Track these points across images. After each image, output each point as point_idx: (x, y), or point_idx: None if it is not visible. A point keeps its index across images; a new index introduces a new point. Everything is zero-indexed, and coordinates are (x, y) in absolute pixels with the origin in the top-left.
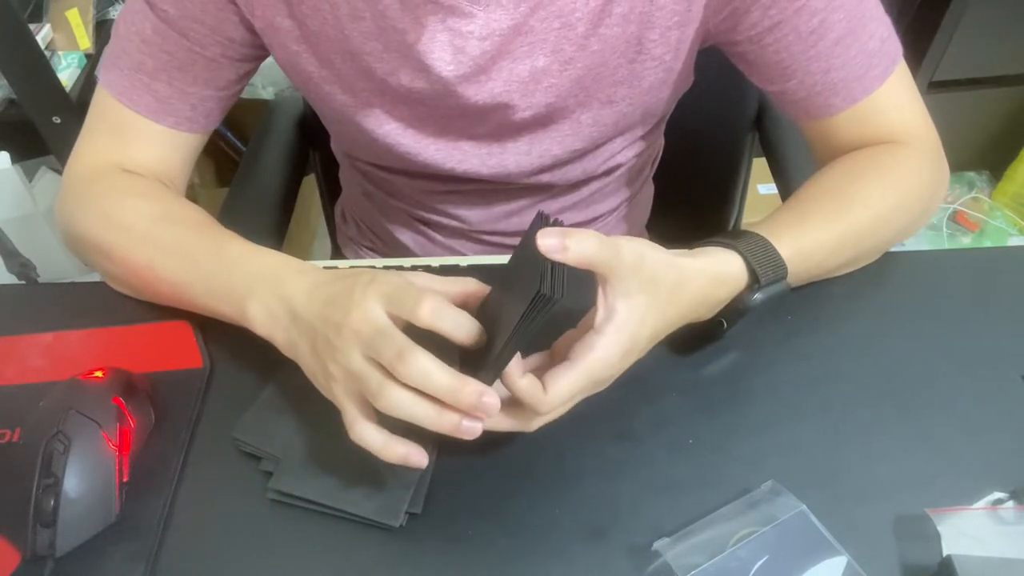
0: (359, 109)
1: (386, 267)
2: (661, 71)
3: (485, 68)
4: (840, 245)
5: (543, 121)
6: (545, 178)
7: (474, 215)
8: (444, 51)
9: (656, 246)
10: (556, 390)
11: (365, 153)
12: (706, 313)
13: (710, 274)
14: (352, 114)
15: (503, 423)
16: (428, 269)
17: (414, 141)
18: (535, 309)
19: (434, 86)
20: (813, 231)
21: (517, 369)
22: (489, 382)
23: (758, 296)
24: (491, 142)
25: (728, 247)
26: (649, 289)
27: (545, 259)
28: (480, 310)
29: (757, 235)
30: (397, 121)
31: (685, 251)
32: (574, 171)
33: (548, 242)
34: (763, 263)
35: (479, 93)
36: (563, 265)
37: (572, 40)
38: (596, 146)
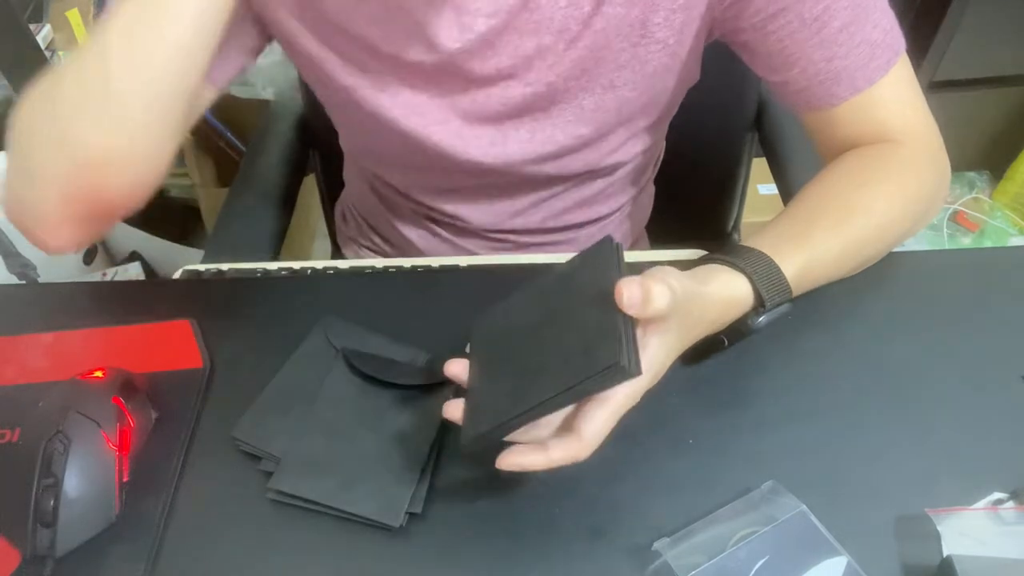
0: (359, 90)
1: (386, 267)
2: (665, 56)
3: (491, 43)
4: (843, 257)
5: (544, 103)
6: (548, 169)
7: (478, 214)
8: (451, 28)
9: (680, 275)
10: (593, 432)
11: (370, 141)
12: (712, 332)
13: (722, 299)
14: (353, 94)
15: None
16: (428, 270)
17: (420, 125)
18: (604, 379)
19: (440, 59)
20: (817, 246)
21: (535, 451)
22: (517, 426)
23: (762, 319)
24: (493, 128)
25: (734, 268)
26: (679, 324)
27: (619, 313)
28: (507, 317)
29: (762, 255)
30: (401, 108)
31: (694, 272)
32: (576, 162)
33: (631, 293)
34: (769, 287)
35: (484, 67)
36: (633, 321)
37: (577, 19)
38: (599, 135)
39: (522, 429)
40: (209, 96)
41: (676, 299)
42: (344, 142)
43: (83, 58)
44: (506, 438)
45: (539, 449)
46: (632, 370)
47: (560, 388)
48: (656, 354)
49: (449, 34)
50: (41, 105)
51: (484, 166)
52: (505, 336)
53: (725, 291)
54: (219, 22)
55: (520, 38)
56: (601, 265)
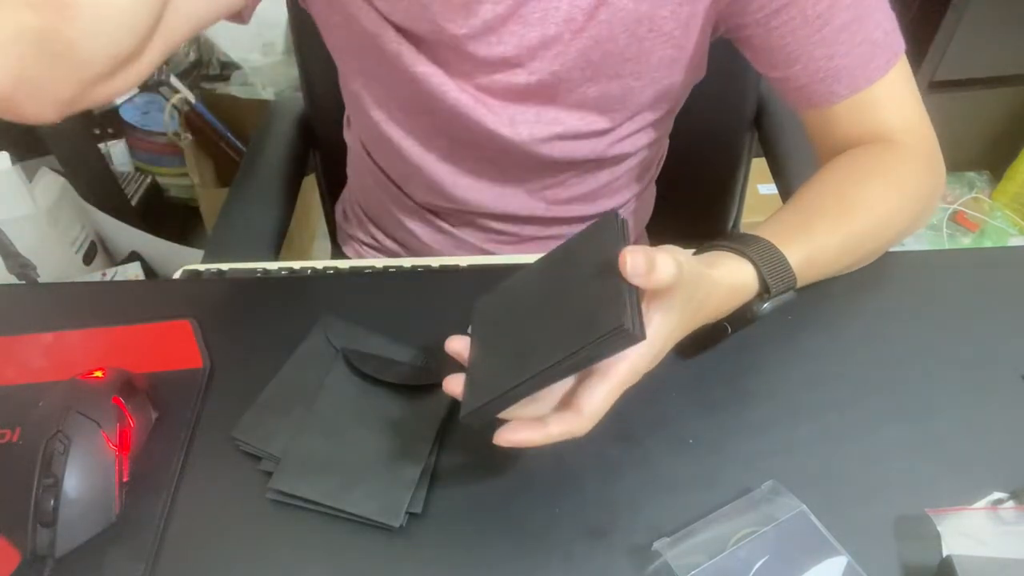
0: (383, 36)
1: (386, 267)
2: (670, 47)
3: (495, 30)
4: (844, 250)
5: (548, 91)
6: (555, 152)
7: (482, 197)
8: (456, 14)
9: (687, 254)
10: (593, 407)
11: (387, 92)
12: (715, 319)
13: (727, 285)
14: (377, 39)
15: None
16: (428, 270)
17: (439, 85)
18: (608, 343)
19: (444, 40)
20: (819, 237)
21: (532, 427)
22: (518, 397)
23: (767, 306)
24: (501, 105)
25: (740, 254)
26: (684, 303)
27: (623, 282)
28: (509, 295)
29: (767, 242)
30: (423, 66)
31: (700, 257)
32: (582, 148)
33: (635, 261)
34: (774, 273)
35: (489, 53)
36: (637, 290)
37: (583, 9)
38: (605, 124)
39: (522, 404)
40: None
41: (682, 274)
42: (349, 131)
43: None
44: (506, 414)
45: (537, 425)
46: (637, 333)
47: (562, 355)
48: (659, 331)
49: (454, 18)
50: None
51: (496, 137)
52: (507, 312)
53: (731, 276)
54: None
55: (525, 28)
56: (605, 238)
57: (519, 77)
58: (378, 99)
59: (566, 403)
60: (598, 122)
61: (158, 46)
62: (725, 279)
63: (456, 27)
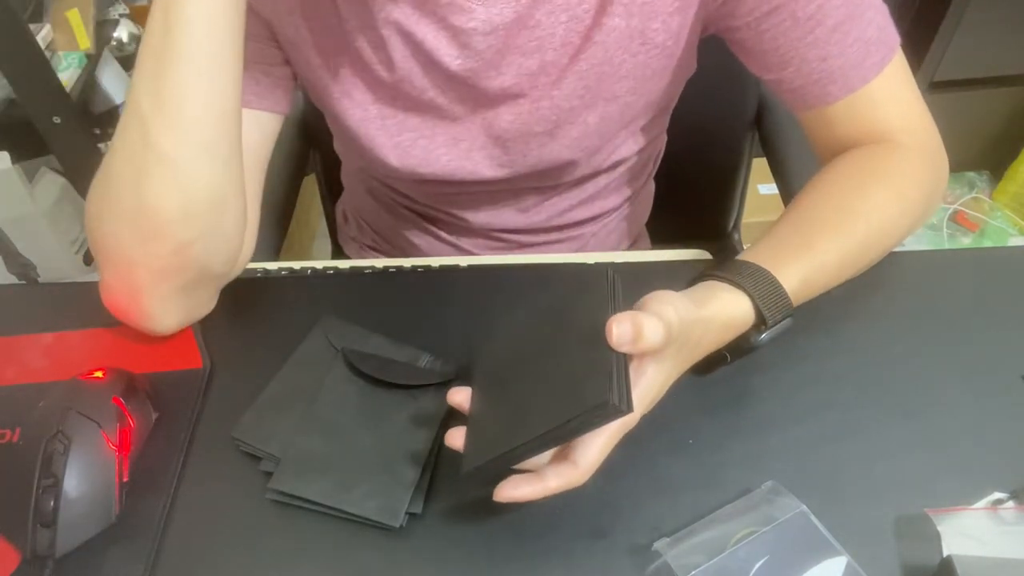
0: (371, 121)
1: (386, 267)
2: (663, 58)
3: (494, 63)
4: (844, 264)
5: (550, 127)
6: (551, 178)
7: (482, 216)
8: (451, 48)
9: (681, 301)
10: (589, 460)
11: (379, 168)
12: (713, 351)
13: (721, 322)
14: (366, 128)
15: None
16: (428, 270)
17: (424, 152)
18: (593, 416)
19: (447, 83)
20: (817, 256)
21: (531, 482)
22: (511, 462)
23: (764, 336)
24: (501, 149)
25: (735, 286)
26: (677, 352)
27: (610, 350)
28: (506, 345)
29: (762, 270)
30: (410, 133)
31: (693, 293)
32: (581, 168)
33: (622, 331)
34: (770, 304)
35: (490, 86)
36: (625, 357)
37: (580, 32)
38: (602, 143)
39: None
40: (273, 125)
41: (673, 331)
42: (341, 153)
43: (123, 126)
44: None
45: (535, 479)
46: (623, 408)
47: (550, 426)
48: (652, 382)
49: (450, 53)
50: (103, 190)
51: (492, 180)
52: (503, 366)
53: (725, 312)
54: (230, 51)
55: (523, 57)
56: (595, 298)
57: (522, 107)
58: (374, 175)
59: (562, 455)
60: (597, 145)
61: (251, 227)
62: (719, 316)
63: (452, 59)
